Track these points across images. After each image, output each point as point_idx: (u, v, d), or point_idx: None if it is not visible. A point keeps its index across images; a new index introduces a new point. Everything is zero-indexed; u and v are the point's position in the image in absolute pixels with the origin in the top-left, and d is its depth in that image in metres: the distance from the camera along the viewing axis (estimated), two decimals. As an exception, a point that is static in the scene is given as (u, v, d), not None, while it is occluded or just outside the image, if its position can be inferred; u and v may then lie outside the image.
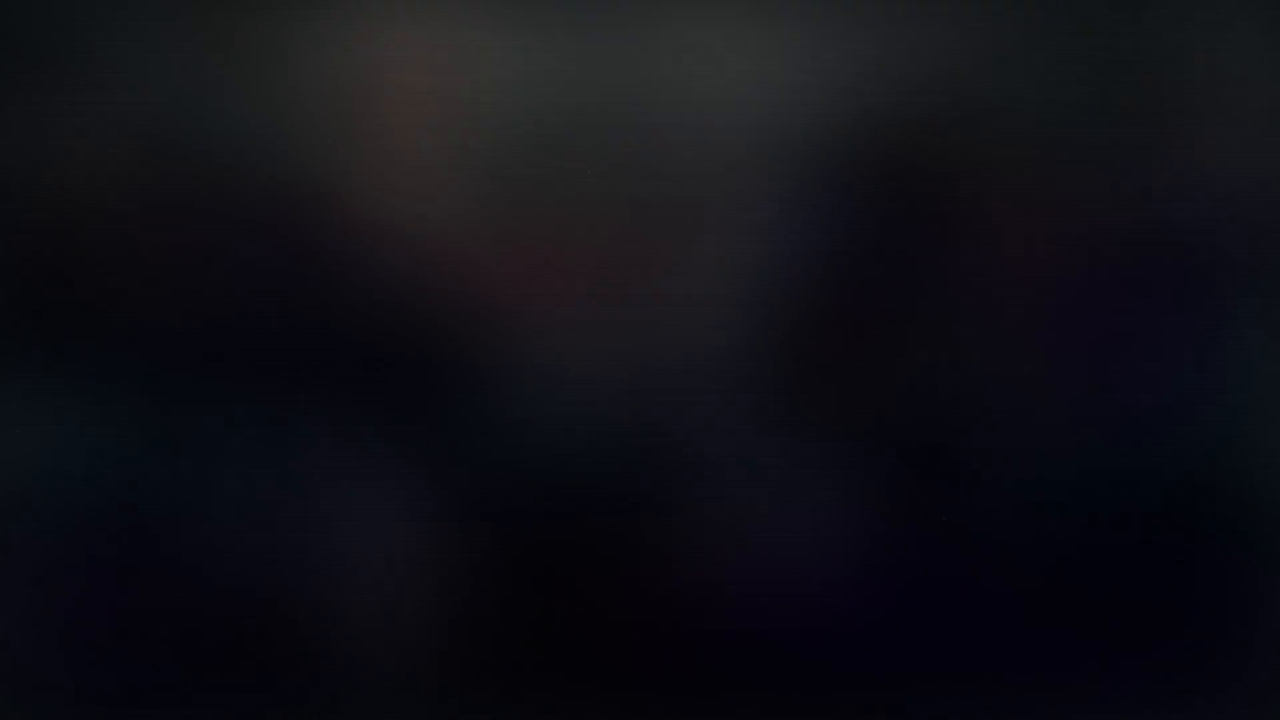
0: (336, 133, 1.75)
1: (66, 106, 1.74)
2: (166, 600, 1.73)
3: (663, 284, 1.73)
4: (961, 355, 1.73)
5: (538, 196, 1.74)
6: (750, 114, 1.74)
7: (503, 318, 1.74)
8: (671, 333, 1.73)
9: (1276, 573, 1.73)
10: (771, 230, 1.74)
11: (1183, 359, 1.73)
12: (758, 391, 1.73)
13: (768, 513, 1.73)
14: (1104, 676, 1.73)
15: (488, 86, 1.75)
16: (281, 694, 1.74)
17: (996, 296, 1.73)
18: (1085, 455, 1.73)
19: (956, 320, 1.73)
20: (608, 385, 1.73)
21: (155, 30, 1.75)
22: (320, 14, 1.75)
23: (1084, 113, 1.74)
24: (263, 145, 1.74)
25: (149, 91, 1.74)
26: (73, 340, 1.73)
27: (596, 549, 1.73)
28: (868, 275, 1.73)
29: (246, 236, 1.73)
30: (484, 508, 1.73)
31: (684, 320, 1.73)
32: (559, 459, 1.73)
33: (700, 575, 1.73)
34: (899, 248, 1.73)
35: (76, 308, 1.73)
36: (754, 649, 1.73)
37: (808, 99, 1.74)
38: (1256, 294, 1.74)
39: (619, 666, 1.73)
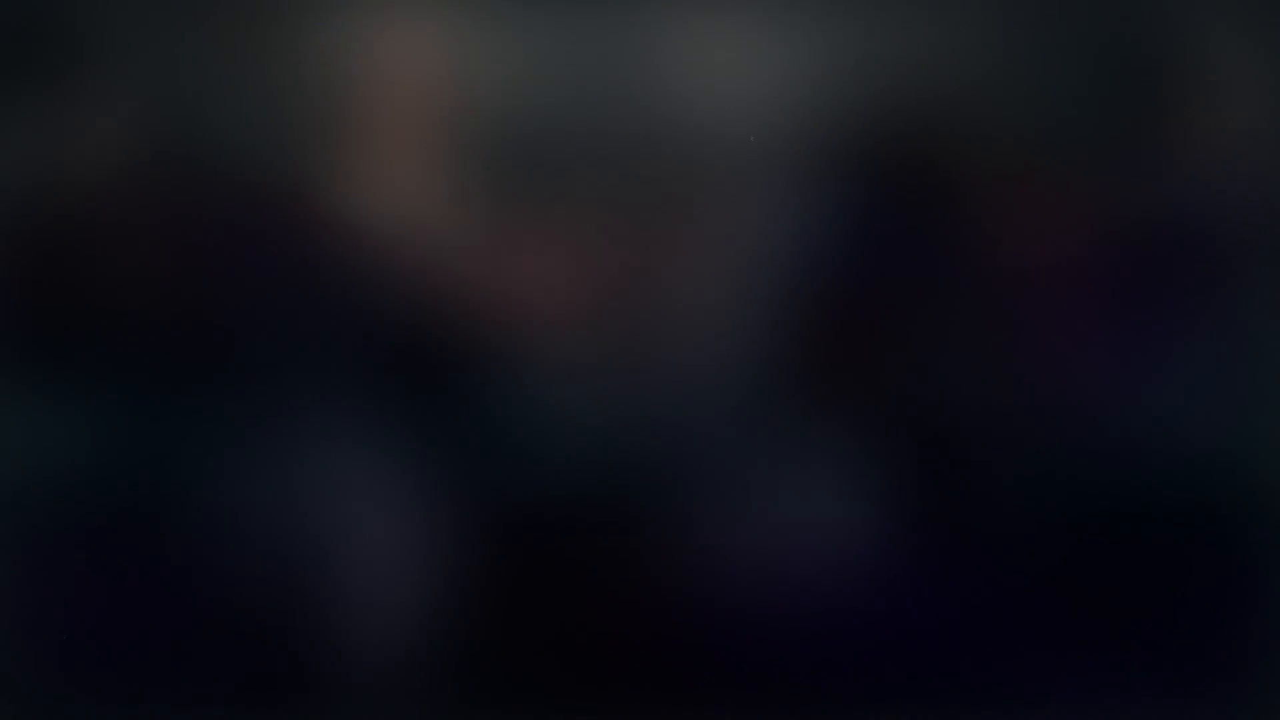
0: (338, 132, 1.74)
1: (64, 105, 1.74)
2: (171, 603, 1.73)
3: (672, 283, 1.73)
4: (976, 357, 1.72)
5: (543, 196, 1.74)
6: (758, 112, 1.74)
7: (509, 318, 1.73)
8: (680, 333, 1.73)
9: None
10: (780, 229, 1.74)
11: (1195, 357, 1.73)
12: (769, 391, 1.73)
13: (779, 513, 1.72)
14: (1112, 674, 1.73)
15: (492, 87, 1.75)
16: (280, 694, 1.74)
17: (1005, 296, 1.73)
18: (1094, 455, 1.73)
19: (969, 321, 1.72)
20: (615, 385, 1.73)
21: (154, 29, 1.74)
22: (322, 12, 1.75)
23: (1095, 111, 1.74)
24: (262, 144, 1.74)
25: (148, 90, 1.74)
26: (79, 340, 1.73)
27: (603, 551, 1.73)
28: (877, 275, 1.73)
29: (248, 236, 1.73)
30: (492, 509, 1.73)
31: (693, 320, 1.73)
32: (566, 460, 1.73)
33: (713, 577, 1.73)
34: (908, 248, 1.73)
35: (86, 308, 1.73)
36: (765, 650, 1.73)
37: (815, 96, 1.74)
38: (1268, 294, 1.73)
39: (629, 668, 1.73)
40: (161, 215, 1.73)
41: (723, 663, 1.73)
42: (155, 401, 1.73)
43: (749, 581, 1.73)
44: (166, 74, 1.74)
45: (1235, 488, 1.73)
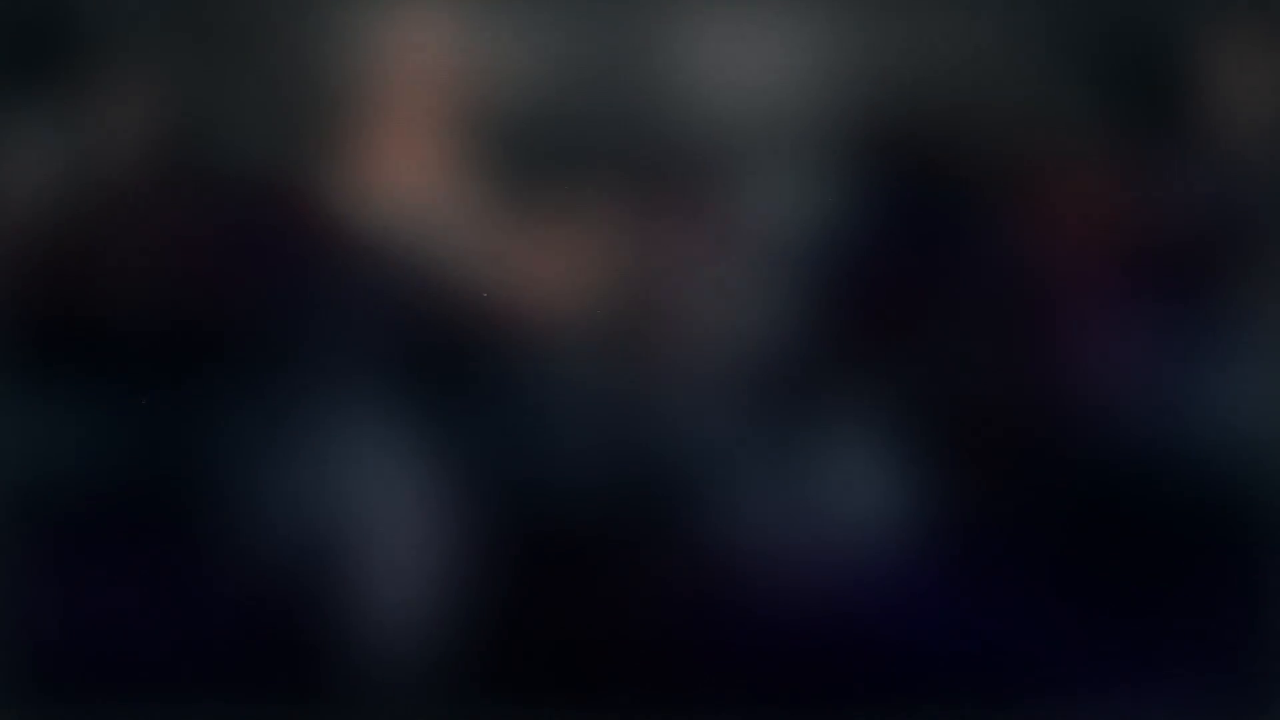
0: (350, 128, 1.74)
1: (76, 104, 1.74)
2: (183, 602, 1.73)
3: (692, 279, 1.73)
4: (996, 357, 1.72)
5: (559, 192, 1.74)
6: (778, 103, 1.74)
7: (527, 314, 1.73)
8: (699, 328, 1.73)
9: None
10: (799, 224, 1.74)
11: (1221, 351, 1.73)
12: (790, 388, 1.73)
13: (796, 510, 1.72)
14: (1131, 669, 1.73)
15: (509, 81, 1.74)
16: (287, 693, 1.74)
17: (1028, 291, 1.73)
18: (1113, 452, 1.73)
19: (990, 319, 1.72)
20: (633, 381, 1.73)
21: (164, 27, 1.74)
22: (333, 7, 1.75)
23: (1116, 104, 1.73)
24: (273, 141, 1.74)
25: (158, 88, 1.74)
26: (93, 341, 1.73)
27: (619, 549, 1.73)
28: (897, 272, 1.73)
29: (260, 235, 1.73)
30: (509, 507, 1.73)
31: (713, 315, 1.73)
32: (583, 457, 1.73)
33: (738, 577, 1.73)
34: (928, 243, 1.73)
35: (105, 307, 1.73)
36: (788, 651, 1.73)
37: (834, 88, 1.74)
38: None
39: (646, 669, 1.73)
40: (174, 213, 1.73)
41: (740, 662, 1.73)
42: (165, 400, 1.73)
43: (777, 582, 1.73)
44: (177, 72, 1.74)
45: (1264, 483, 1.73)
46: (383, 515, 1.72)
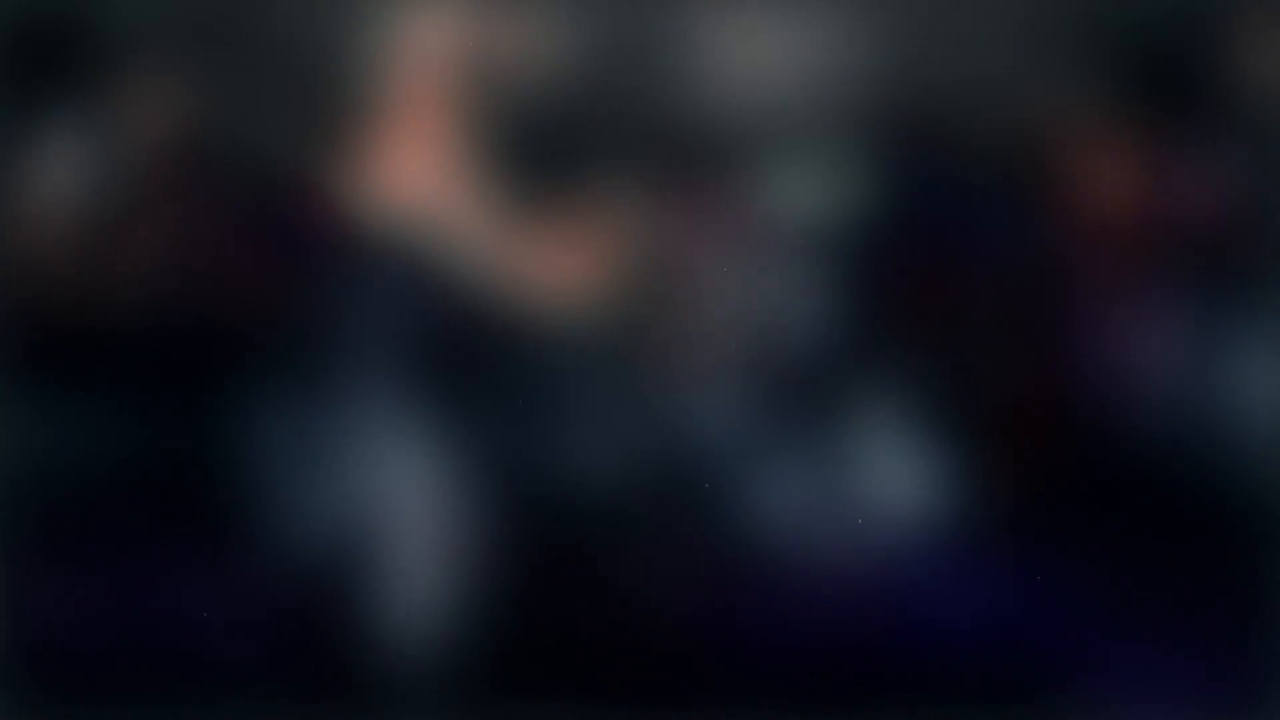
0: (362, 121, 1.73)
1: (90, 102, 1.72)
2: (192, 601, 1.71)
3: (709, 268, 1.73)
4: (1019, 345, 1.73)
5: (575, 184, 1.73)
6: (792, 93, 1.74)
7: (543, 308, 1.73)
8: (716, 320, 1.73)
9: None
10: (820, 213, 1.74)
11: (1247, 345, 1.75)
12: (810, 381, 1.73)
13: (821, 507, 1.73)
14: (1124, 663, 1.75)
15: (524, 70, 1.73)
16: (295, 693, 1.72)
17: (1063, 277, 1.74)
18: (1131, 446, 1.74)
19: (1011, 309, 1.73)
20: (649, 376, 1.72)
21: (179, 25, 1.72)
22: (343, 1, 1.74)
23: (1145, 88, 1.75)
24: (285, 136, 1.72)
25: (170, 86, 1.72)
26: (103, 341, 1.71)
27: (643, 546, 1.72)
28: (913, 261, 1.73)
29: (273, 231, 1.72)
30: (526, 504, 1.72)
31: (730, 309, 1.73)
32: (599, 454, 1.72)
33: (758, 575, 1.73)
34: (942, 236, 1.73)
35: (112, 309, 1.71)
36: (807, 649, 1.73)
37: (856, 74, 1.74)
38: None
39: (663, 664, 1.72)
40: (190, 211, 1.72)
41: (763, 660, 1.73)
42: (176, 397, 1.71)
43: (803, 581, 1.73)
44: (193, 70, 1.72)
45: None
46: (396, 511, 1.71)
